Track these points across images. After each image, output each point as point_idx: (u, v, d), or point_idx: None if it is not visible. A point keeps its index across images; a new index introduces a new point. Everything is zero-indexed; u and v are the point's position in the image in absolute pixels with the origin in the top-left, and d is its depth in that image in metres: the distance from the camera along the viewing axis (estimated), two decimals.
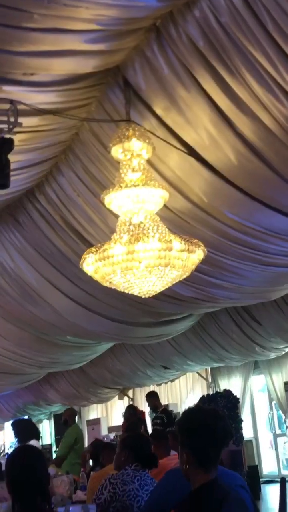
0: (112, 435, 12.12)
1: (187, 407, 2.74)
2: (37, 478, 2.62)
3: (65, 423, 9.59)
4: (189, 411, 2.69)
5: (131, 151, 4.67)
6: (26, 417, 14.37)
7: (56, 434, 14.51)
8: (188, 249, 4.67)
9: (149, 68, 4.45)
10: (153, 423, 10.17)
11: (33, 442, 6.95)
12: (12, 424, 7.57)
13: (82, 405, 15.76)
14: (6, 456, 9.33)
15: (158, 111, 4.71)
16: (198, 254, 4.77)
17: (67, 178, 5.92)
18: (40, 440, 9.99)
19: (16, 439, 7.22)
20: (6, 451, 12.16)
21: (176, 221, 5.52)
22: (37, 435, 7.25)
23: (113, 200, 4.75)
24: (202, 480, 2.50)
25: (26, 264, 7.50)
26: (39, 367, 11.86)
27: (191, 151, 4.85)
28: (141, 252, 4.66)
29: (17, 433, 7.13)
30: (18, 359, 10.91)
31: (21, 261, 7.49)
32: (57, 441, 14.06)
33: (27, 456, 2.75)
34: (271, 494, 11.50)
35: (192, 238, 4.80)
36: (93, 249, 4.92)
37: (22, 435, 7.01)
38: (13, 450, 2.76)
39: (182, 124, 4.68)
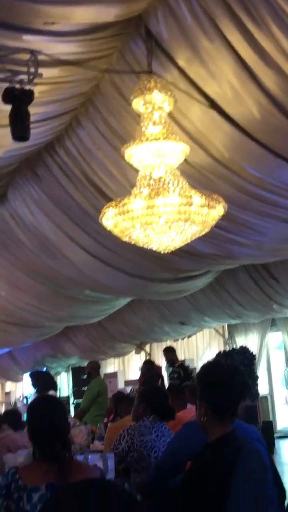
0: (128, 389, 12.29)
1: (204, 363, 2.75)
2: (57, 426, 2.66)
3: (88, 376, 9.69)
4: (209, 365, 2.71)
5: (153, 103, 4.59)
6: (44, 369, 14.59)
7: (73, 386, 14.75)
8: (208, 205, 4.63)
9: (172, 17, 4.33)
10: (170, 377, 10.28)
11: (50, 393, 7.09)
12: (30, 375, 7.71)
13: (100, 359, 15.93)
14: (23, 405, 9.51)
15: (181, 62, 4.61)
16: (218, 209, 4.73)
17: (87, 131, 5.86)
18: (58, 392, 10.16)
19: (35, 390, 7.37)
20: (25, 401, 12.40)
21: (197, 176, 5.46)
22: (54, 386, 7.37)
23: (133, 154, 4.70)
24: (219, 433, 2.53)
25: (45, 218, 7.50)
26: (57, 320, 11.99)
27: (213, 105, 4.76)
28: (161, 207, 4.63)
29: (35, 384, 7.27)
30: (36, 313, 11.02)
31: (40, 215, 7.49)
32: (75, 393, 14.32)
33: (47, 405, 2.80)
34: (285, 449, 11.68)
35: (212, 193, 4.75)
36: (113, 203, 4.90)
37: (40, 386, 7.16)
38: (34, 399, 2.81)
39: (204, 76, 4.59)
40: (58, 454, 2.55)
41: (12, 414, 5.56)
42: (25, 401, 10.62)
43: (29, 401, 10.18)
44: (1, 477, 2.56)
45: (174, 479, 3.31)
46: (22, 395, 16.29)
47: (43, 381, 7.26)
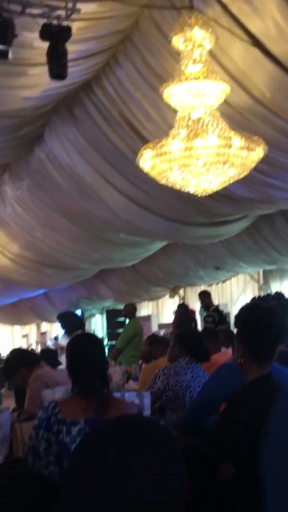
0: (162, 332, 12.41)
1: (242, 305, 2.75)
2: (96, 362, 2.71)
3: (125, 317, 9.82)
4: (247, 307, 2.71)
5: (193, 41, 4.46)
6: (79, 311, 14.78)
7: (108, 329, 14.96)
8: (247, 147, 4.54)
9: None
10: (205, 321, 10.32)
11: (79, 333, 7.22)
12: (58, 317, 7.82)
13: (134, 302, 16.10)
14: (53, 344, 9.67)
15: None
16: (258, 152, 4.63)
17: (125, 70, 5.75)
18: (92, 333, 10.29)
19: (63, 331, 7.48)
20: (55, 341, 12.59)
21: (237, 118, 5.33)
22: (82, 327, 7.50)
23: (172, 93, 4.60)
24: (256, 374, 2.54)
25: (81, 159, 7.46)
26: (92, 263, 12.08)
27: (256, 42, 4.61)
28: (199, 149, 4.56)
29: (64, 325, 7.40)
30: (72, 255, 11.11)
31: (76, 156, 7.45)
32: (109, 335, 14.53)
33: (87, 341, 2.85)
34: None
35: (252, 135, 4.64)
36: (150, 145, 4.83)
37: (68, 327, 7.29)
38: (74, 336, 2.86)
39: (247, 12, 4.42)
40: (97, 390, 2.60)
41: (49, 352, 5.68)
42: (55, 341, 10.86)
43: (59, 341, 10.39)
44: (41, 410, 2.63)
45: (208, 420, 3.36)
46: (58, 335, 16.62)
47: (71, 322, 7.39)
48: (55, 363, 5.48)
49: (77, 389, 2.66)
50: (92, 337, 3.01)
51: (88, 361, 2.69)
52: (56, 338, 12.41)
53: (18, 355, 4.61)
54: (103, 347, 2.89)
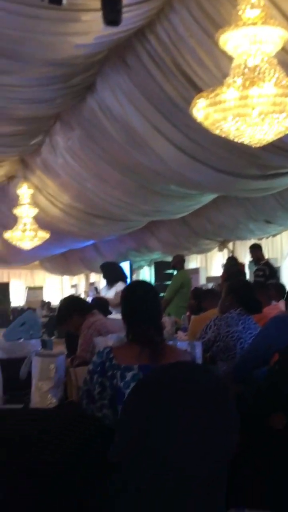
0: (210, 285, 12.41)
1: None
2: (151, 309, 2.73)
3: (173, 268, 9.89)
4: None
5: None
6: (127, 263, 14.86)
7: (156, 281, 15.04)
8: None
9: None
10: (255, 275, 10.25)
11: (119, 284, 7.28)
12: (101, 267, 7.88)
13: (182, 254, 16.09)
14: (93, 294, 9.76)
15: None
16: None
17: (180, 16, 5.61)
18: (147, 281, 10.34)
19: (105, 281, 7.56)
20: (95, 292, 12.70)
21: None
22: (123, 278, 7.55)
23: (228, 40, 4.49)
24: None
25: (133, 109, 7.38)
26: (142, 215, 12.07)
27: None
28: (255, 98, 4.46)
29: (106, 275, 7.47)
30: (122, 206, 11.12)
31: (128, 106, 7.37)
32: (157, 287, 14.64)
33: (142, 288, 2.86)
34: None
35: None
36: (204, 94, 4.75)
37: (109, 277, 7.37)
38: (129, 284, 2.88)
39: None
40: (151, 337, 2.63)
41: (100, 300, 5.76)
42: (95, 291, 11.02)
43: (99, 291, 10.53)
44: (96, 355, 2.68)
45: (259, 371, 3.37)
46: (98, 286, 16.82)
47: (113, 273, 7.46)
48: (106, 312, 5.55)
49: (131, 335, 2.69)
50: (147, 284, 3.04)
51: (143, 308, 2.71)
52: (96, 289, 12.57)
53: (72, 302, 4.68)
54: (157, 295, 2.91)
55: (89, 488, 2.29)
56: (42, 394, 2.75)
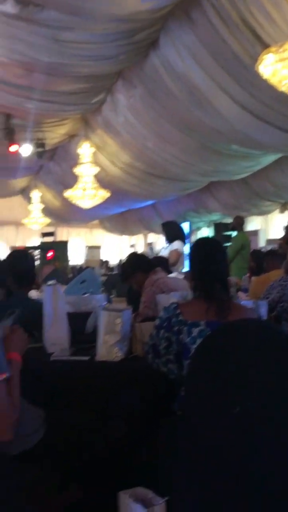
0: (269, 247, 12.26)
1: None
2: (218, 265, 2.72)
3: (233, 230, 9.87)
4: None
5: None
6: (186, 223, 14.82)
7: None
8: None
9: None
10: None
11: (177, 243, 7.29)
12: (162, 225, 7.98)
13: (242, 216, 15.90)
14: (150, 253, 9.83)
15: None
16: None
17: None
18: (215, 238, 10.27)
19: (165, 239, 7.66)
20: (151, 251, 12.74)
21: None
22: (182, 237, 7.57)
23: None
24: None
25: (197, 66, 7.24)
26: (202, 175, 11.96)
27: None
28: None
29: (166, 233, 7.52)
30: (182, 166, 11.03)
31: (192, 63, 7.23)
32: None
33: (210, 245, 2.85)
34: None
35: None
36: (272, 49, 4.63)
37: (168, 235, 7.40)
38: (196, 241, 2.87)
39: None
40: (218, 294, 2.62)
41: (162, 259, 5.77)
42: (151, 251, 11.11)
43: (154, 250, 10.57)
44: (163, 310, 2.69)
45: None
46: (154, 245, 16.87)
47: (172, 231, 7.49)
48: (167, 270, 5.57)
49: (198, 292, 2.69)
50: (215, 241, 3.02)
51: (210, 265, 2.70)
52: (151, 248, 12.63)
53: (135, 259, 4.71)
54: (225, 252, 2.89)
55: (152, 437, 2.34)
56: (109, 348, 2.79)
